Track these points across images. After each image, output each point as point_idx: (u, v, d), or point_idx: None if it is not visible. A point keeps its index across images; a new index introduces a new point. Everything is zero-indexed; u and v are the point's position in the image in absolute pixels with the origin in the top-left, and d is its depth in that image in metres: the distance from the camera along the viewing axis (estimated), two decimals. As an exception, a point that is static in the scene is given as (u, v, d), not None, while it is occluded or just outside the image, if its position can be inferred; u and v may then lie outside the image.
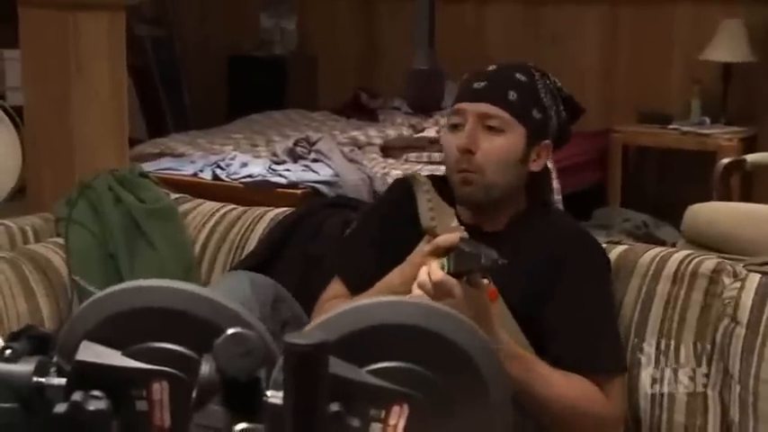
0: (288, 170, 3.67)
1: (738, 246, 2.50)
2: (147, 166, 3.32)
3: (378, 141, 4.53)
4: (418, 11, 5.37)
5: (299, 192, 3.54)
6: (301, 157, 3.81)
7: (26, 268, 2.03)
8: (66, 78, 2.44)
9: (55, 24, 2.43)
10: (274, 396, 0.86)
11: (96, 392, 0.90)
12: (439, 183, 1.76)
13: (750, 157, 3.79)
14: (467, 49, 5.41)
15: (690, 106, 4.97)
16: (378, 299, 0.99)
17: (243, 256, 2.19)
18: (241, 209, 2.31)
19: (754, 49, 4.79)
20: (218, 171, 3.76)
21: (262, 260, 2.12)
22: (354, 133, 4.63)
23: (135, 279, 1.04)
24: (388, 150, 4.36)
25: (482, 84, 1.72)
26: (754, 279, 1.71)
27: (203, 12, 6.46)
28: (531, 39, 5.40)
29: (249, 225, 2.24)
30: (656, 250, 1.85)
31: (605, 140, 5.03)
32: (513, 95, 1.70)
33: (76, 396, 0.90)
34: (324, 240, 2.12)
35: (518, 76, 1.73)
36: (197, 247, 2.26)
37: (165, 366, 0.93)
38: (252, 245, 2.19)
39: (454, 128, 1.73)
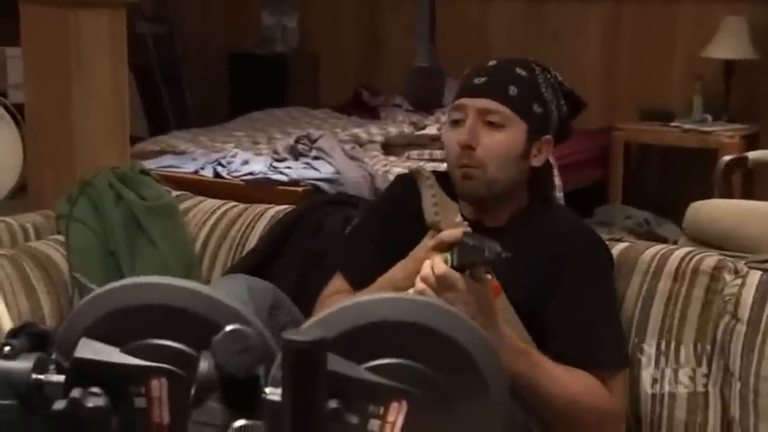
0: (289, 168, 3.67)
1: (740, 243, 2.50)
2: (149, 164, 3.32)
3: (379, 139, 4.52)
4: (419, 7, 5.37)
5: (300, 189, 3.54)
6: (302, 155, 3.81)
7: (27, 265, 2.03)
8: (67, 76, 2.44)
9: (56, 21, 2.43)
10: (273, 393, 0.86)
11: (95, 389, 0.90)
12: (441, 179, 1.76)
13: (752, 155, 3.78)
14: (469, 46, 5.41)
15: (692, 104, 4.97)
16: (377, 295, 0.99)
17: (243, 253, 2.19)
18: (242, 206, 2.31)
19: (756, 46, 4.78)
20: (220, 169, 3.76)
21: (262, 258, 2.12)
22: (356, 131, 4.63)
23: (136, 276, 1.03)
24: (389, 148, 4.35)
25: (482, 79, 1.72)
26: (755, 276, 1.71)
27: (204, 9, 6.46)
28: (533, 35, 5.39)
29: (250, 222, 2.24)
30: (657, 247, 1.85)
31: (607, 138, 5.03)
32: (513, 90, 1.70)
33: (75, 393, 0.90)
34: (324, 238, 2.12)
35: (518, 71, 1.73)
36: (198, 245, 2.26)
37: (164, 363, 0.93)
38: (253, 242, 2.19)
39: (455, 123, 1.73)
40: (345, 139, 4.37)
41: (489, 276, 1.50)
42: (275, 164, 3.73)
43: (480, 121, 1.70)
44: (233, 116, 5.31)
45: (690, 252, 1.82)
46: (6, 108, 2.45)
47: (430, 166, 3.78)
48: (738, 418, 1.68)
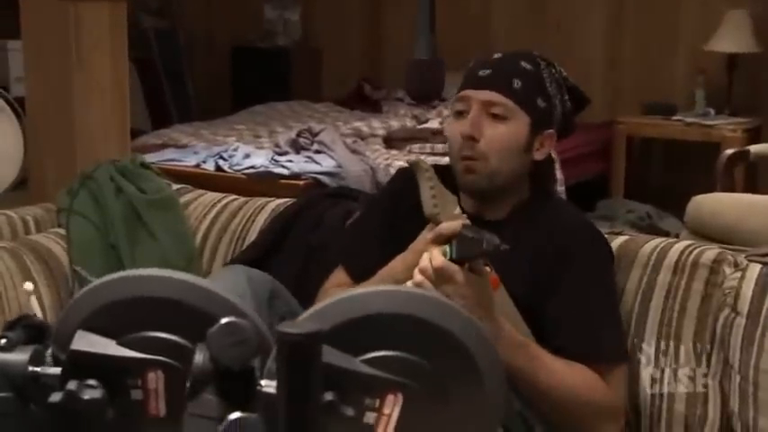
0: (290, 161, 3.67)
1: (742, 237, 2.50)
2: (151, 157, 3.33)
3: (381, 132, 4.52)
4: (420, 0, 5.37)
5: (301, 183, 3.53)
6: (304, 149, 3.80)
7: (27, 258, 2.04)
8: (68, 69, 2.44)
9: (56, 14, 2.42)
10: (268, 385, 0.86)
11: (91, 381, 0.91)
12: (442, 172, 1.76)
13: (754, 148, 3.77)
14: (472, 38, 5.41)
15: (694, 97, 4.96)
16: (372, 288, 0.99)
17: (244, 246, 2.19)
18: (242, 200, 2.31)
19: (759, 39, 4.77)
20: (221, 162, 3.76)
21: (262, 251, 2.12)
22: (357, 124, 4.63)
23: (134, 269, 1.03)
24: (391, 141, 4.35)
25: (487, 71, 1.72)
26: (755, 269, 1.71)
27: (207, 3, 6.46)
28: (536, 28, 5.38)
29: (250, 216, 2.24)
30: (657, 241, 1.85)
31: (609, 131, 5.03)
32: (517, 83, 1.70)
33: (71, 385, 0.90)
34: (325, 231, 2.12)
35: (523, 64, 1.73)
36: (198, 238, 2.26)
37: (160, 356, 0.93)
38: (253, 236, 2.19)
39: (458, 115, 1.73)
40: (347, 133, 4.37)
41: (488, 269, 1.50)
42: (277, 157, 3.73)
43: (484, 113, 1.70)
44: (235, 110, 5.31)
45: (690, 245, 1.81)
46: (7, 101, 2.45)
47: (431, 159, 3.77)
48: (738, 411, 1.68)
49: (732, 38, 4.76)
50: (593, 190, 4.92)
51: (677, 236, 3.02)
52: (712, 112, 4.88)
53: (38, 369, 0.93)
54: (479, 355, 0.94)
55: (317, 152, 3.74)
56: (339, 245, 1.95)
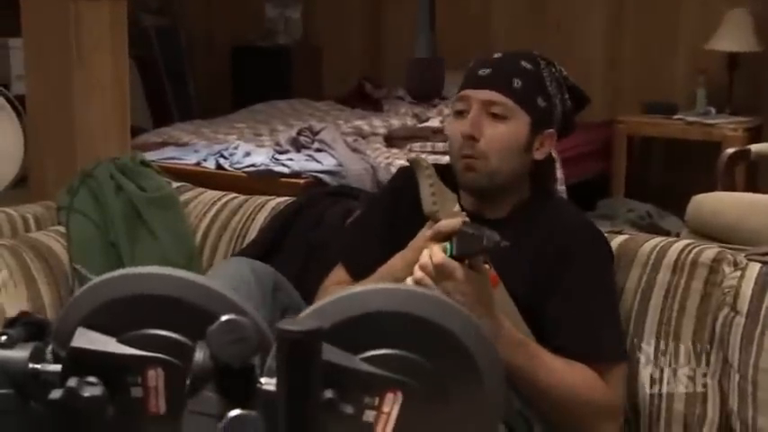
0: (291, 160, 3.67)
1: (742, 236, 2.49)
2: (151, 155, 3.33)
3: (382, 131, 4.52)
4: (420, -1, 5.37)
5: (301, 181, 3.53)
6: (304, 147, 3.80)
7: (27, 256, 2.04)
8: (68, 67, 2.44)
9: (56, 12, 2.42)
10: (268, 383, 0.86)
11: (91, 379, 0.91)
12: (442, 171, 1.76)
13: (755, 147, 3.77)
14: (472, 37, 5.40)
15: (695, 96, 4.96)
16: (372, 286, 0.99)
17: (244, 244, 2.19)
18: (242, 198, 2.32)
19: (759, 38, 4.77)
20: (222, 160, 3.76)
21: (263, 249, 2.12)
22: (358, 123, 4.63)
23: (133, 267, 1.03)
24: (391, 140, 4.35)
25: (487, 71, 1.72)
26: (754, 268, 1.71)
27: (208, 1, 6.46)
28: (536, 27, 5.38)
29: (250, 214, 2.24)
30: (657, 240, 1.85)
31: (610, 130, 5.02)
32: (517, 83, 1.70)
33: (72, 382, 0.90)
34: (325, 230, 2.12)
35: (523, 63, 1.73)
36: (198, 236, 2.26)
37: (161, 353, 0.93)
38: (253, 234, 2.20)
39: (459, 114, 1.73)
40: (348, 132, 4.37)
41: (487, 266, 1.50)
42: (277, 156, 3.73)
43: (484, 112, 1.70)
44: (236, 108, 5.31)
45: (689, 244, 1.81)
46: (7, 99, 2.45)
47: (432, 158, 3.77)
48: (737, 410, 1.68)
49: (733, 37, 4.75)
50: (594, 189, 4.92)
51: (678, 235, 3.01)
52: (713, 111, 4.87)
53: (38, 366, 0.93)
54: (479, 353, 0.94)
55: (318, 151, 3.74)
56: (339, 243, 1.96)
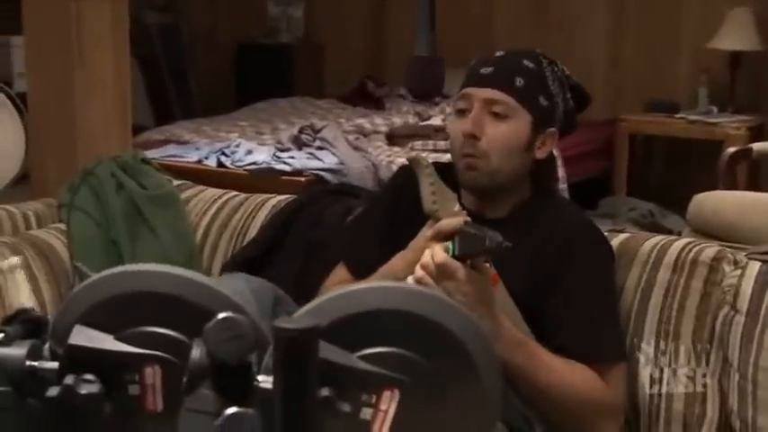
0: (292, 158, 3.67)
1: (744, 235, 2.49)
2: (153, 153, 3.33)
3: (383, 129, 4.52)
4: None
5: (303, 179, 3.54)
6: (306, 145, 3.80)
7: (28, 253, 2.04)
8: (69, 65, 2.44)
9: (57, 11, 2.42)
10: (265, 381, 0.86)
11: (89, 376, 0.91)
12: (443, 170, 1.76)
13: (756, 146, 3.76)
14: (474, 36, 5.40)
15: (697, 95, 4.95)
16: (370, 284, 0.99)
17: (244, 243, 2.19)
18: (243, 196, 2.32)
19: (762, 37, 4.76)
20: (223, 158, 3.76)
21: (263, 248, 2.12)
22: (360, 121, 4.63)
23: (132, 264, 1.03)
24: (393, 138, 4.35)
25: (489, 69, 1.71)
26: (755, 267, 1.70)
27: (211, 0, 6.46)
28: (538, 26, 5.38)
29: (251, 212, 2.24)
30: (657, 238, 1.85)
31: (612, 129, 5.02)
32: (519, 82, 1.69)
33: (69, 380, 0.90)
34: (325, 228, 2.12)
35: (526, 62, 1.72)
36: (199, 234, 2.26)
37: (158, 351, 0.93)
38: (253, 232, 2.19)
39: (460, 113, 1.73)
40: (349, 130, 4.37)
41: (487, 265, 1.50)
42: (279, 154, 3.73)
43: (485, 111, 1.69)
44: (238, 106, 5.32)
45: (689, 243, 1.81)
46: (9, 96, 2.45)
47: (434, 156, 3.78)
48: (737, 410, 1.68)
49: (735, 36, 4.75)
50: (596, 188, 4.92)
51: (679, 233, 3.01)
52: (715, 110, 4.87)
53: (35, 363, 0.93)
54: (476, 351, 0.94)
55: (319, 149, 3.75)
56: (340, 242, 1.96)
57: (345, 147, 3.75)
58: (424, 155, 3.94)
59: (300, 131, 3.87)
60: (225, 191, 2.36)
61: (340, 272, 1.85)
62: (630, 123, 5.03)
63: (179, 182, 2.39)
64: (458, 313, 0.95)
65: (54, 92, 2.49)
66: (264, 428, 0.84)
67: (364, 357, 0.90)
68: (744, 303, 1.68)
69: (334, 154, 3.68)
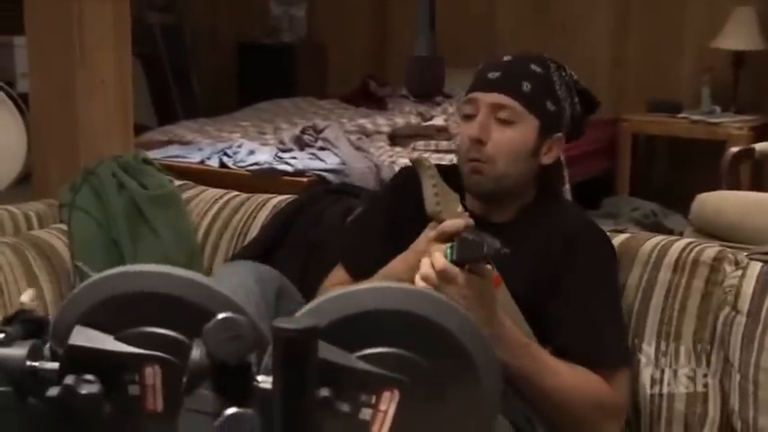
0: (294, 158, 3.66)
1: (746, 235, 2.48)
2: (155, 153, 3.33)
3: (386, 129, 4.52)
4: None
5: (305, 180, 3.53)
6: (308, 145, 3.80)
7: (29, 254, 2.04)
8: (71, 65, 2.44)
9: (59, 11, 2.42)
10: (265, 381, 0.86)
11: (89, 377, 0.91)
12: (446, 171, 1.75)
13: (759, 146, 3.76)
14: (477, 37, 5.40)
15: (700, 95, 4.95)
16: (369, 284, 0.98)
17: (245, 242, 2.19)
18: (244, 196, 2.32)
19: (765, 37, 4.75)
20: (225, 159, 3.76)
21: (263, 248, 2.12)
22: (362, 121, 4.63)
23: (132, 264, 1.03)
24: (395, 138, 4.35)
25: (496, 74, 1.70)
26: (756, 267, 1.70)
27: (213, -1, 6.47)
28: (541, 26, 5.37)
29: (252, 212, 2.24)
30: (658, 238, 1.85)
31: (615, 129, 5.01)
32: (527, 86, 1.69)
33: (69, 380, 0.90)
34: (324, 229, 2.12)
35: (533, 67, 1.71)
36: (200, 234, 2.26)
37: (158, 351, 0.93)
38: (254, 232, 2.20)
39: (467, 118, 1.72)
40: (351, 130, 4.37)
41: (489, 267, 1.50)
42: (281, 154, 3.73)
43: (492, 116, 1.69)
44: (241, 106, 5.32)
45: (690, 243, 1.81)
46: (10, 96, 2.45)
47: (436, 156, 3.78)
48: (738, 410, 1.67)
49: (738, 35, 4.74)
50: (599, 188, 4.91)
51: (682, 233, 3.00)
52: (718, 109, 4.86)
53: (36, 364, 0.93)
54: (476, 351, 0.94)
55: (322, 149, 3.74)
56: (340, 242, 1.95)
57: (347, 147, 3.75)
58: (426, 155, 3.94)
59: (303, 132, 3.87)
60: (226, 191, 2.36)
61: (338, 273, 1.85)
62: (633, 123, 5.03)
63: (180, 182, 2.40)
64: (457, 314, 0.95)
65: (56, 92, 2.49)
66: (264, 429, 0.84)
67: (364, 358, 0.90)
68: (745, 304, 1.68)
69: (336, 154, 3.68)
